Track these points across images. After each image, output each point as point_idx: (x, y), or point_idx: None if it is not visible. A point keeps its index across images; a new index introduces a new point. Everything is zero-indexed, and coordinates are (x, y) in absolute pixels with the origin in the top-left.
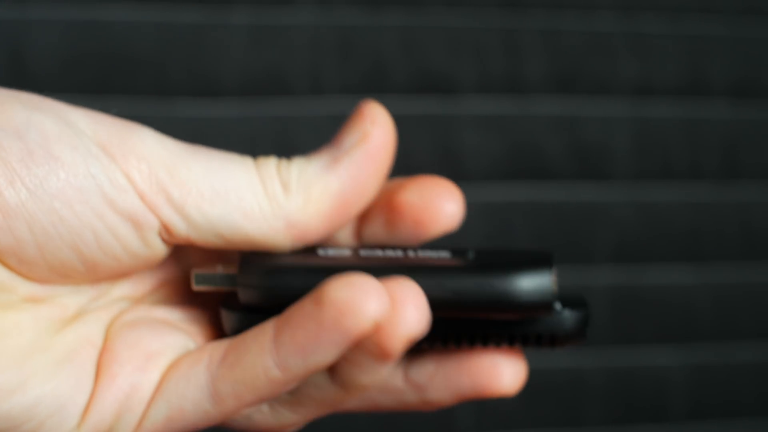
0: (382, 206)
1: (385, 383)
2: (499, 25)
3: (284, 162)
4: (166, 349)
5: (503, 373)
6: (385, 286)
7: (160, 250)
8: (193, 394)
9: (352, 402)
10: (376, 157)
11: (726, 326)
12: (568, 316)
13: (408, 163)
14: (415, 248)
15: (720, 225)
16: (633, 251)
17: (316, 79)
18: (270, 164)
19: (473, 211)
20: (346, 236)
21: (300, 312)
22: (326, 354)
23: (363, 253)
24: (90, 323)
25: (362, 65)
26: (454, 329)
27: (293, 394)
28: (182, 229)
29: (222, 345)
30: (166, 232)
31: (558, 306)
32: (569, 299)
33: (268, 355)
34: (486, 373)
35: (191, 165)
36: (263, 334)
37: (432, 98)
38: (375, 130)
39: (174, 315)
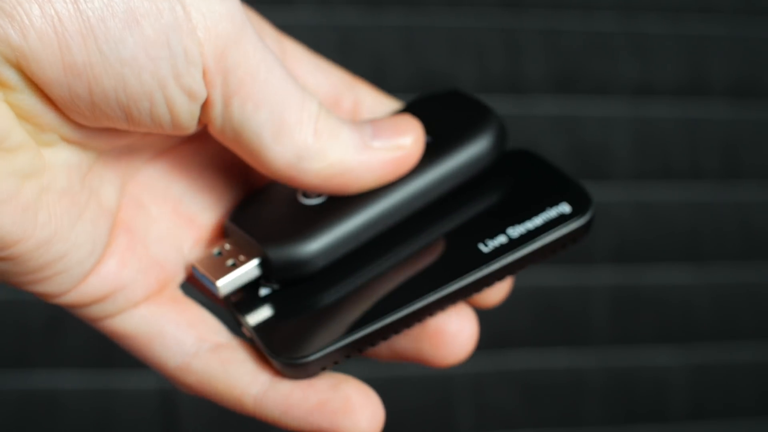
0: None
1: None
2: (499, 25)
3: (325, 111)
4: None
5: (449, 338)
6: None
7: (193, 125)
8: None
9: None
10: (390, 171)
11: (726, 326)
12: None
13: None
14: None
15: (720, 225)
16: (633, 251)
17: None
18: (314, 104)
19: None
20: None
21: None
22: None
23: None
24: (105, 183)
25: (362, 65)
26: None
27: None
28: (217, 113)
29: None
30: (203, 110)
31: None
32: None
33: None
34: (432, 338)
35: (259, 66)
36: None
37: None
38: (411, 154)
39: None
